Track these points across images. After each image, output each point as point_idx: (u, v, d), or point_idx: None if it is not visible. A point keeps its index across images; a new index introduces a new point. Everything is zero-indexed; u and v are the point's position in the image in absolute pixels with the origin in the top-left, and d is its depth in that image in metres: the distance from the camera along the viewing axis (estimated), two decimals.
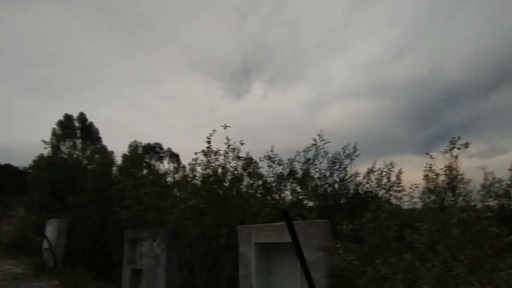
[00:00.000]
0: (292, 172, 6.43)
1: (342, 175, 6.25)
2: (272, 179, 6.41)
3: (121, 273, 5.92)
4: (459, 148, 4.70)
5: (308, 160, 6.26)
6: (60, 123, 22.48)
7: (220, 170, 5.52)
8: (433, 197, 4.78)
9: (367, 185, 6.14)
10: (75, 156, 19.46)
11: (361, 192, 6.24)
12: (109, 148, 19.19)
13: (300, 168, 6.36)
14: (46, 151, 20.00)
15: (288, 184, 6.40)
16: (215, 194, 5.07)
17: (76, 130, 23.88)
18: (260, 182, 6.36)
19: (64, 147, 21.16)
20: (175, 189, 7.61)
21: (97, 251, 8.63)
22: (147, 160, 16.62)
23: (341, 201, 6.22)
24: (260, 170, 6.43)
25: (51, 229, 9.01)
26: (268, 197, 6.12)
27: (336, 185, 6.19)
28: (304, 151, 6.33)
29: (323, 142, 6.08)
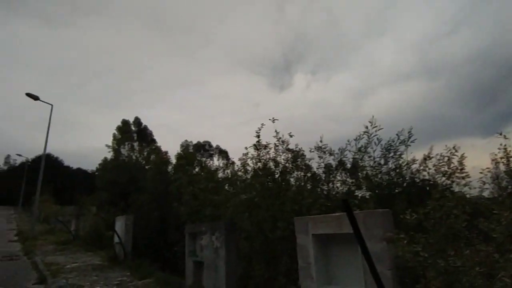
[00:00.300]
0: (340, 162, 6.25)
1: (397, 162, 5.93)
2: (322, 170, 6.30)
3: (183, 265, 6.31)
4: None
5: (360, 148, 6.04)
6: (119, 128, 24.43)
7: (271, 164, 5.57)
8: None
9: (424, 173, 5.75)
10: (134, 157, 21.08)
11: (418, 180, 5.87)
12: (163, 149, 20.42)
13: (352, 157, 6.17)
14: (109, 154, 22.01)
15: (338, 175, 6.25)
16: (267, 187, 5.13)
17: (133, 134, 25.72)
18: (309, 174, 6.29)
19: (124, 150, 23.01)
20: (226, 185, 7.86)
21: (161, 244, 9.28)
22: (198, 158, 17.36)
23: (397, 190, 5.92)
24: (311, 161, 6.36)
25: (119, 225, 9.89)
26: (318, 189, 6.03)
27: (392, 173, 5.89)
28: (355, 139, 6.11)
29: (375, 128, 5.81)
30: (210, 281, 5.29)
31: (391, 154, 5.94)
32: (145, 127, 27.30)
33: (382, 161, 5.96)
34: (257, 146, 5.73)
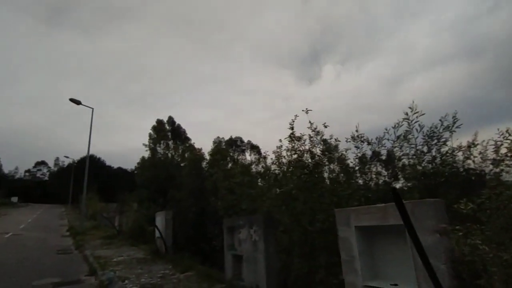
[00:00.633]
0: (375, 153, 5.98)
1: (442, 150, 5.56)
2: (357, 161, 6.08)
3: (222, 258, 6.41)
4: None
5: (399, 136, 5.72)
6: (154, 128, 25.41)
7: (307, 155, 5.45)
8: None
9: (469, 161, 5.33)
10: (169, 155, 21.81)
11: (462, 170, 5.47)
12: (196, 146, 20.94)
13: (392, 146, 5.88)
14: (146, 153, 22.98)
15: (373, 166, 6.00)
16: (305, 179, 5.02)
17: (167, 133, 26.60)
18: (342, 166, 6.10)
19: (160, 149, 23.90)
20: (259, 179, 7.85)
21: (199, 238, 9.52)
22: (231, 153, 17.56)
23: (442, 180, 5.56)
24: (347, 152, 6.15)
25: (159, 220, 10.27)
26: (352, 181, 5.84)
27: (437, 161, 5.52)
28: (394, 127, 5.80)
29: (416, 114, 5.46)
30: (250, 274, 5.32)
31: (434, 141, 5.59)
32: (179, 126, 28.11)
33: (425, 149, 5.63)
34: (292, 137, 5.63)
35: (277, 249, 5.18)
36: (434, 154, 5.62)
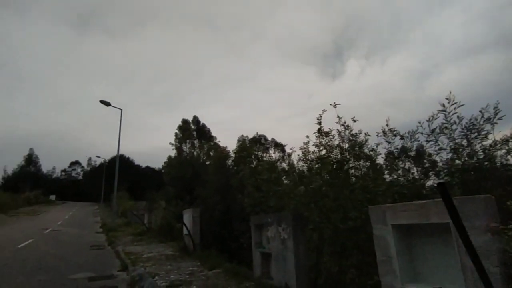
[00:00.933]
0: (403, 149, 5.68)
1: (484, 143, 5.17)
2: (386, 157, 5.81)
3: (250, 256, 6.35)
4: None
5: (434, 130, 5.38)
6: (179, 127, 25.94)
7: (336, 151, 5.26)
8: None
9: (508, 156, 4.93)
10: (195, 154, 22.17)
11: (499, 165, 5.07)
12: (221, 144, 21.09)
13: (426, 140, 5.54)
14: (173, 152, 23.50)
15: (400, 163, 5.70)
16: (335, 175, 4.84)
17: (193, 132, 27.05)
18: (371, 162, 5.85)
19: (186, 148, 24.36)
20: (284, 176, 7.71)
21: (226, 236, 9.55)
22: (255, 151, 17.53)
23: (482, 175, 5.17)
24: (377, 147, 5.89)
25: (187, 218, 10.42)
26: (384, 177, 5.58)
27: (480, 155, 5.14)
28: (428, 120, 5.46)
29: (454, 105, 5.10)
30: (278, 272, 5.22)
31: (475, 134, 5.21)
32: (203, 125, 28.48)
33: (464, 142, 5.26)
34: (321, 132, 5.45)
35: (306, 247, 5.04)
36: (474, 148, 5.25)
